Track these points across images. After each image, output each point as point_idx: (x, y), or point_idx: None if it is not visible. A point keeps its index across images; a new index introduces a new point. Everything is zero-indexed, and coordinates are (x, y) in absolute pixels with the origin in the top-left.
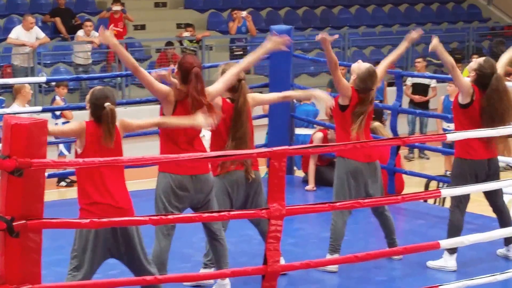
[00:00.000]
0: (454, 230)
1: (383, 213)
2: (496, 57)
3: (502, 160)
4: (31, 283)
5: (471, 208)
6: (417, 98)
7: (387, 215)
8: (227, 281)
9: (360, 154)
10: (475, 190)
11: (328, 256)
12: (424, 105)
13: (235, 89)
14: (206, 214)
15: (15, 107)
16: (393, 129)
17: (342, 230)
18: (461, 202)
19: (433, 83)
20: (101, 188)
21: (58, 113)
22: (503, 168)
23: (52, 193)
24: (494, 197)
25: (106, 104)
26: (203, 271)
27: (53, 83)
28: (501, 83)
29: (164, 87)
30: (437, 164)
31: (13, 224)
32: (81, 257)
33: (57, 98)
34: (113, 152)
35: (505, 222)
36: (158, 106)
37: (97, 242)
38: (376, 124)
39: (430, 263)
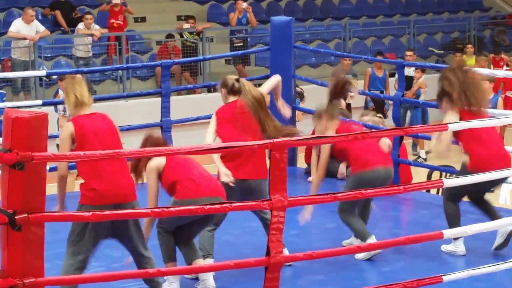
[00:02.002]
0: (453, 219)
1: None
2: (498, 46)
3: None
4: (34, 276)
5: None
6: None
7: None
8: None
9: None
10: (476, 180)
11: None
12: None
13: (236, 91)
14: (208, 206)
15: None
16: (396, 119)
17: (359, 221)
18: (452, 196)
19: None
20: (107, 179)
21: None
22: None
23: (54, 187)
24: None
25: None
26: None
27: (55, 76)
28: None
29: None
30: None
31: (15, 217)
32: (79, 243)
33: (60, 91)
34: (111, 137)
35: (493, 213)
36: (158, 99)
37: (97, 230)
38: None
39: (444, 247)
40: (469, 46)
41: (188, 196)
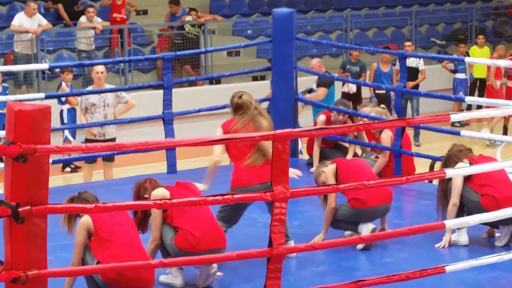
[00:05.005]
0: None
1: None
2: (500, 36)
3: (486, 136)
4: (37, 268)
5: None
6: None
7: None
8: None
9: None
10: (478, 171)
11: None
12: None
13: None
14: (211, 198)
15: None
16: (398, 110)
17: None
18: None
19: (421, 66)
20: None
21: (63, 99)
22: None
23: (57, 179)
24: None
25: None
26: None
27: (57, 70)
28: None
29: None
30: (443, 145)
31: (18, 210)
32: None
33: (63, 84)
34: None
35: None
36: (160, 92)
37: None
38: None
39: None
40: (480, 37)
41: (187, 249)
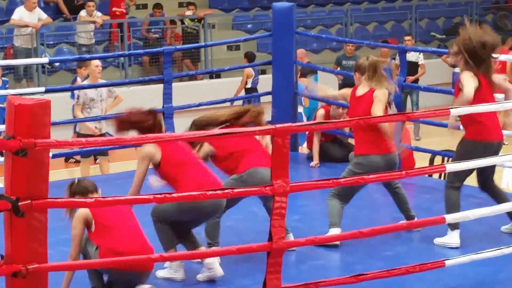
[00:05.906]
0: (452, 207)
1: (393, 189)
2: (500, 31)
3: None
4: (38, 262)
5: (475, 182)
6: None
7: (397, 191)
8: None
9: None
10: (479, 165)
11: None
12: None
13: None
14: (210, 192)
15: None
16: (398, 105)
17: (339, 210)
18: (457, 180)
19: (420, 60)
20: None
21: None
22: None
23: (62, 172)
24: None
25: None
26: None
27: (57, 64)
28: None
29: None
30: (443, 140)
31: (19, 204)
32: None
33: (78, 79)
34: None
35: (503, 198)
36: (160, 86)
37: None
38: None
39: (437, 240)
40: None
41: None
